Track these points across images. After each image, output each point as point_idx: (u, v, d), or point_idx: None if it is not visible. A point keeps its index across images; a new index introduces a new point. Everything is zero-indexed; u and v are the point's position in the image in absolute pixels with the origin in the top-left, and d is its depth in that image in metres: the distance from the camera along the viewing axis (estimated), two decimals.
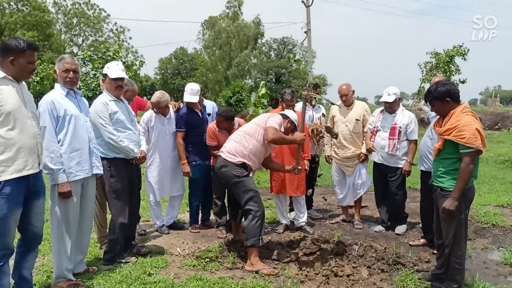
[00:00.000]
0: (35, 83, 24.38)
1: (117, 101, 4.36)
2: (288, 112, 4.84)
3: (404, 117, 5.39)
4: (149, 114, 5.42)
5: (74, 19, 43.74)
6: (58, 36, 42.55)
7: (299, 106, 6.29)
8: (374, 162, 5.67)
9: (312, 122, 5.97)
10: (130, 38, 47.17)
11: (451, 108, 3.56)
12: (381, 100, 5.60)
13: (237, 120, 5.58)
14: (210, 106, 6.03)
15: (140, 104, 5.82)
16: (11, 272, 3.25)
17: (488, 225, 5.80)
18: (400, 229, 5.57)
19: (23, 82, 3.25)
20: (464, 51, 21.41)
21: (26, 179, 3.10)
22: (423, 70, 24.08)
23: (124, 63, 17.52)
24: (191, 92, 5.42)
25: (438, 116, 3.79)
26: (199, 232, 5.52)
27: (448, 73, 21.89)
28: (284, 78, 47.77)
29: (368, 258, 4.48)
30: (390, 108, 5.47)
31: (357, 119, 5.73)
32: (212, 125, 5.44)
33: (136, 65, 16.87)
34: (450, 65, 22.11)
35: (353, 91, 5.88)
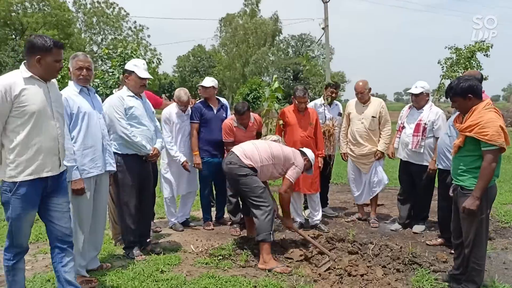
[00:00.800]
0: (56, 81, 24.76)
1: (135, 97, 4.39)
2: (307, 150, 4.82)
3: (431, 113, 5.22)
4: (168, 110, 5.44)
5: (93, 18, 44.25)
6: (78, 35, 43.11)
7: (313, 103, 6.24)
8: (400, 159, 5.57)
9: (324, 123, 5.92)
10: (149, 36, 47.61)
11: (473, 105, 3.43)
12: (408, 91, 5.53)
13: (253, 115, 5.55)
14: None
15: (155, 102, 5.80)
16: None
17: (509, 224, 5.65)
18: (418, 228, 5.46)
19: (53, 82, 3.18)
20: (487, 46, 20.86)
21: (44, 180, 3.04)
22: (443, 67, 23.56)
23: (148, 62, 17.69)
24: (208, 80, 5.57)
25: (458, 112, 3.69)
26: (213, 229, 5.51)
27: (469, 69, 21.35)
28: (302, 75, 47.52)
29: (383, 257, 4.41)
30: (417, 102, 5.34)
31: (373, 116, 5.64)
32: (228, 120, 5.42)
33: (154, 63, 17.00)
34: (472, 61, 21.57)
35: (370, 89, 5.79)
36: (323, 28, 21.25)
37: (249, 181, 4.34)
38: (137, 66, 4.43)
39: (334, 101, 6.33)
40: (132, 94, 4.37)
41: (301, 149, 4.84)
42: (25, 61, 3.05)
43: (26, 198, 2.95)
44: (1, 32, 37.12)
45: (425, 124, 5.18)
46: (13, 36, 37.85)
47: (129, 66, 4.49)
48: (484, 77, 18.58)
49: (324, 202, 6.38)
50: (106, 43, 43.29)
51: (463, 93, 3.45)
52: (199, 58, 57.82)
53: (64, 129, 3.38)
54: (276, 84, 5.94)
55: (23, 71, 2.99)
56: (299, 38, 59.40)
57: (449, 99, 3.67)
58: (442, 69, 23.45)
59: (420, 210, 5.49)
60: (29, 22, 37.17)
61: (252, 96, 28.21)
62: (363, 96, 5.72)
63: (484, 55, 21.82)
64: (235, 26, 43.94)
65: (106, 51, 15.54)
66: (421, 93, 5.25)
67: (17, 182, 2.92)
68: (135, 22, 45.25)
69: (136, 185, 4.40)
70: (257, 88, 28.44)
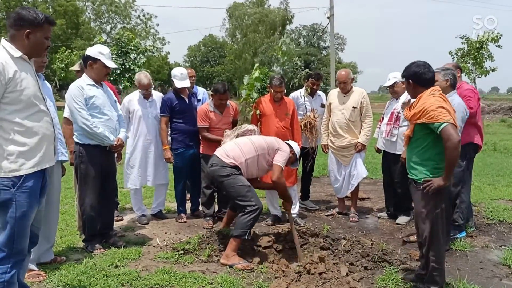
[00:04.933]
0: (60, 70, 24.79)
1: (95, 86, 4.23)
2: (293, 143, 4.66)
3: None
4: (128, 98, 5.30)
5: (102, 6, 44.18)
6: (88, 25, 43.10)
7: (294, 94, 6.02)
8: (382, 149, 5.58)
9: (305, 115, 5.71)
10: (157, 25, 47.66)
11: (416, 92, 3.36)
12: (383, 86, 5.55)
13: (229, 101, 5.39)
14: (201, 92, 5.84)
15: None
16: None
17: (494, 221, 5.38)
18: (403, 219, 5.37)
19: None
20: (496, 37, 20.19)
21: (43, 172, 2.84)
22: (454, 57, 22.94)
23: (144, 50, 17.60)
24: (181, 77, 5.25)
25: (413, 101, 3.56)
26: (185, 222, 5.35)
27: (478, 59, 20.83)
28: (313, 66, 47.10)
29: (354, 254, 4.23)
30: (393, 93, 5.41)
31: (354, 107, 5.43)
32: (204, 106, 5.28)
33: (153, 53, 16.84)
34: (482, 52, 20.92)
35: (352, 79, 5.62)
36: (328, 18, 20.84)
37: (232, 182, 4.14)
38: (103, 54, 4.25)
39: (318, 91, 6.12)
40: (92, 82, 4.21)
41: (287, 141, 4.67)
42: (5, 37, 2.74)
43: (33, 192, 2.72)
44: None
45: (398, 112, 5.16)
46: None
47: (93, 53, 4.26)
48: (492, 68, 18.22)
49: (306, 195, 6.22)
50: (115, 31, 43.34)
51: (406, 76, 3.40)
52: (209, 48, 57.62)
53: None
54: (256, 73, 5.73)
55: (10, 49, 2.68)
56: (311, 28, 58.74)
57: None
58: (453, 60, 22.83)
59: (401, 201, 5.37)
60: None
61: (259, 86, 27.99)
62: (346, 86, 5.52)
63: (497, 46, 21.15)
64: (240, 14, 43.24)
65: (102, 39, 15.44)
66: (395, 83, 5.27)
67: (22, 175, 2.67)
68: (142, 10, 45.11)
69: (99, 177, 4.26)
70: (264, 79, 28.18)
